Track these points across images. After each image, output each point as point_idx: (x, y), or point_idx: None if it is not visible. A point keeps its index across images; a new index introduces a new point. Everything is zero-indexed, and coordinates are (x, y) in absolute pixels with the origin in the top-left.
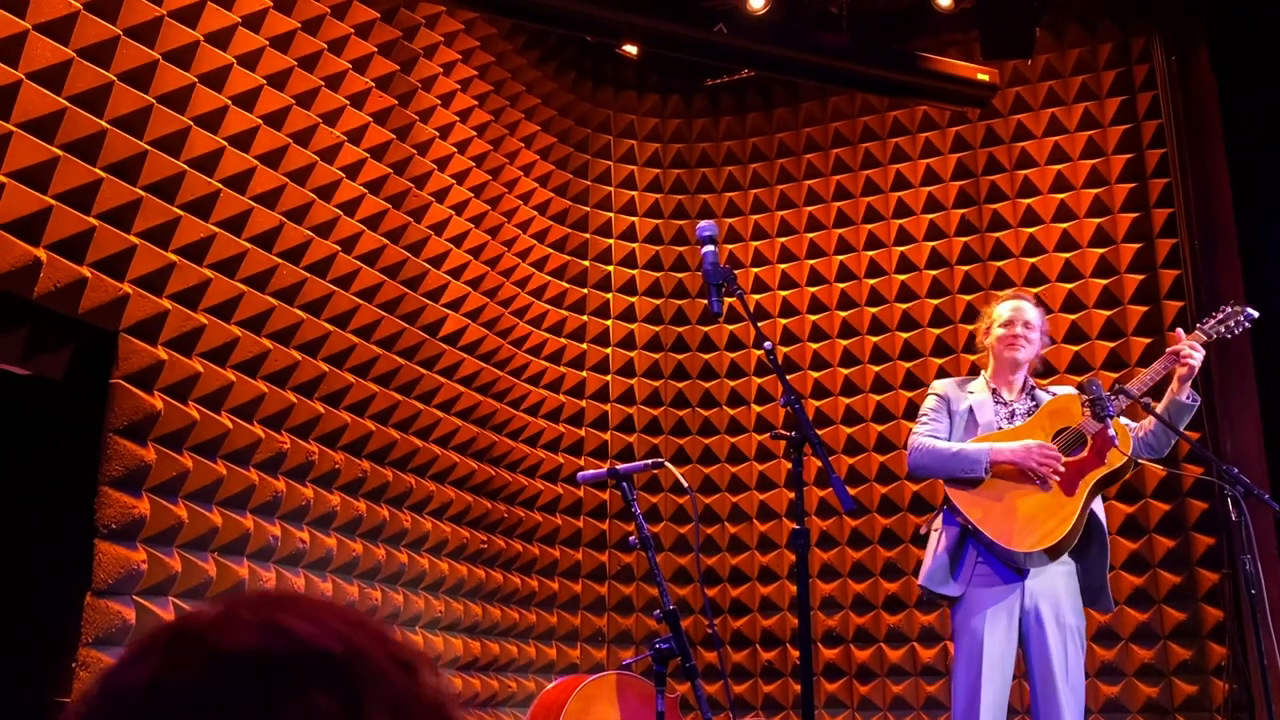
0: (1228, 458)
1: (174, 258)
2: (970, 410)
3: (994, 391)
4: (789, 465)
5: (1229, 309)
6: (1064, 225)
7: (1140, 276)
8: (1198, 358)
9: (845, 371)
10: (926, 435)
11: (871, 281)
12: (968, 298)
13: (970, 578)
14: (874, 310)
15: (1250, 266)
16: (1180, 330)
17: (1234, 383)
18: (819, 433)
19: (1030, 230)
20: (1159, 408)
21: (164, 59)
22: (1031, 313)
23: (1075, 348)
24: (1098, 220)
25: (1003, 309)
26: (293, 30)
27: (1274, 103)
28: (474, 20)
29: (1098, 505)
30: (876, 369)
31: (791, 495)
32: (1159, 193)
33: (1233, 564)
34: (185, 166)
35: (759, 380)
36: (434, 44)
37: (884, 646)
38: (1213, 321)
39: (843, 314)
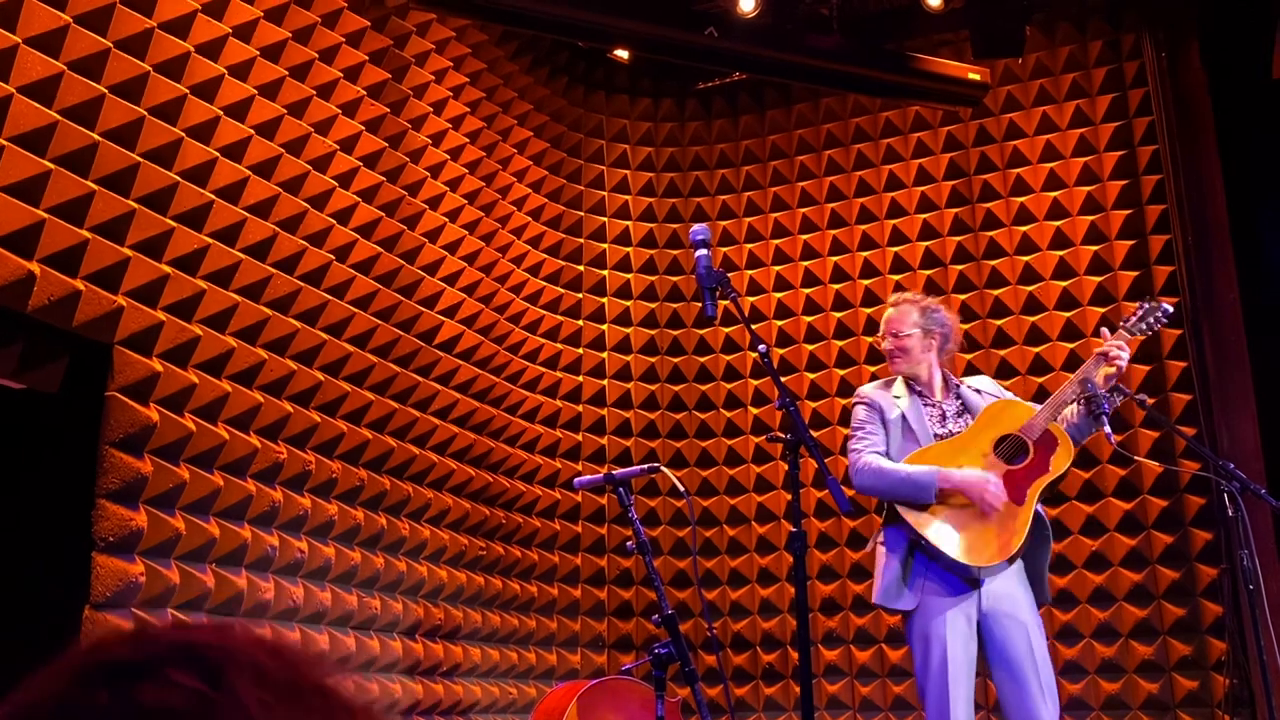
0: (1224, 453)
1: (168, 269)
2: (904, 418)
3: (920, 394)
4: (786, 467)
5: (1146, 305)
6: (1057, 223)
7: (1134, 273)
8: (1125, 356)
9: (841, 372)
10: (869, 451)
11: (866, 282)
12: (962, 297)
13: (923, 587)
14: (869, 311)
15: (1244, 261)
16: (1105, 330)
17: (1230, 378)
18: (816, 434)
19: (1023, 228)
20: (1078, 404)
21: (155, 71)
22: (895, 320)
23: (1071, 345)
24: (1091, 217)
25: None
26: (284, 40)
27: (1266, 96)
28: (465, 27)
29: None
30: (872, 369)
31: (789, 497)
32: (1152, 189)
33: (1231, 559)
34: (178, 178)
35: (755, 382)
36: (425, 51)
37: (884, 647)
38: (1134, 319)
39: (838, 315)
